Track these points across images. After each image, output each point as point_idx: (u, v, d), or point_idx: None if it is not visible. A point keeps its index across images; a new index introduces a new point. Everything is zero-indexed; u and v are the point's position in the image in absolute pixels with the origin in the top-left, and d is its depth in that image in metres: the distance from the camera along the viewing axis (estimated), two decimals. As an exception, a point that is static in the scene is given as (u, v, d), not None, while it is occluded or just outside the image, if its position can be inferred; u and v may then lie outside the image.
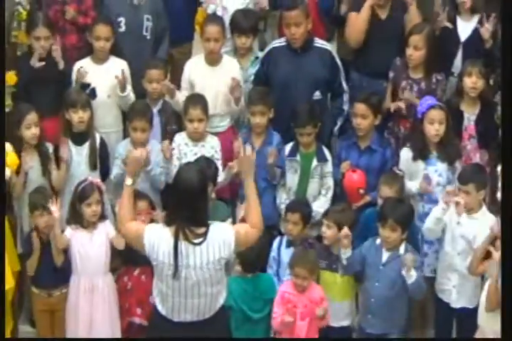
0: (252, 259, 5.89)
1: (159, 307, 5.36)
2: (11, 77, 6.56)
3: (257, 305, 6.07)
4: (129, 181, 5.43)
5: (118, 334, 6.29)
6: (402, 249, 5.95)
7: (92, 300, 6.22)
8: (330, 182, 6.63)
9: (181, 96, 6.78)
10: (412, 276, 5.84)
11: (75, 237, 6.17)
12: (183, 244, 5.17)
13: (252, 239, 5.35)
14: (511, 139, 5.47)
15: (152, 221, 6.09)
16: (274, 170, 6.55)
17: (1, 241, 5.98)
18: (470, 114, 6.69)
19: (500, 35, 6.62)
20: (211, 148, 6.62)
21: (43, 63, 6.68)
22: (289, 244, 6.22)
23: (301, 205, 6.34)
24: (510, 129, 5.49)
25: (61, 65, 6.74)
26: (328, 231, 6.11)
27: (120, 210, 5.43)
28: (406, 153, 6.51)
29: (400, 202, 6.07)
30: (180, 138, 6.64)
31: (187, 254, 5.18)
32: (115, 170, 6.55)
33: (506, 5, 5.91)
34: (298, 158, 6.61)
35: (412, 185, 6.40)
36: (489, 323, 5.70)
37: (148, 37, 7.07)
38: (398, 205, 6.03)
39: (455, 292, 6.15)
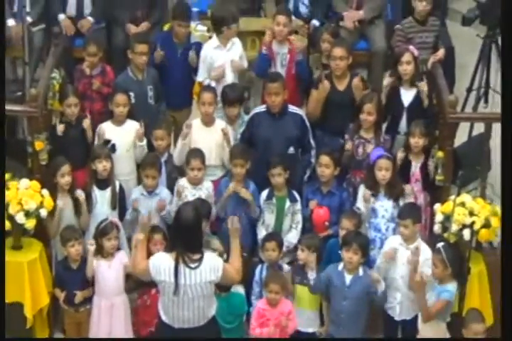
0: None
1: (163, 317, 5.62)
2: (38, 145, 6.57)
3: (229, 318, 6.26)
4: (141, 236, 5.73)
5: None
6: (361, 271, 6.17)
7: (111, 315, 6.39)
8: (299, 218, 6.71)
9: (180, 145, 6.93)
10: (382, 286, 6.13)
11: (97, 265, 6.35)
12: (181, 267, 5.41)
13: (233, 279, 5.66)
14: (511, 140, 5.60)
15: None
16: (254, 206, 6.65)
17: (1, 246, 6.15)
18: (416, 163, 6.81)
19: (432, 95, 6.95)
20: (206, 189, 6.74)
21: (62, 129, 6.75)
22: (268, 269, 6.39)
23: (275, 235, 6.53)
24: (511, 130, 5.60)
25: (89, 134, 6.88)
26: (301, 254, 6.35)
27: (134, 257, 5.70)
28: (362, 190, 6.67)
29: (360, 233, 6.34)
30: (182, 182, 6.74)
31: (185, 275, 5.42)
32: (129, 214, 6.67)
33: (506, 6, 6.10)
34: (274, 200, 6.70)
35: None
36: (426, 331, 6.08)
37: (152, 103, 7.25)
38: (359, 234, 6.31)
39: (398, 308, 6.33)
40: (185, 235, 5.44)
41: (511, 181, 5.60)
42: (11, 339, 6.38)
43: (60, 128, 6.82)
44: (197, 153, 6.76)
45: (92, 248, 6.33)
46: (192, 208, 5.57)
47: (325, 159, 6.71)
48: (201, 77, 7.36)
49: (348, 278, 6.19)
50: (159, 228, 6.48)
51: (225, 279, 5.59)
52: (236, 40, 7.37)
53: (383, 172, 6.56)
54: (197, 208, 5.62)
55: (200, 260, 5.44)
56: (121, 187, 6.77)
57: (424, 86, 6.97)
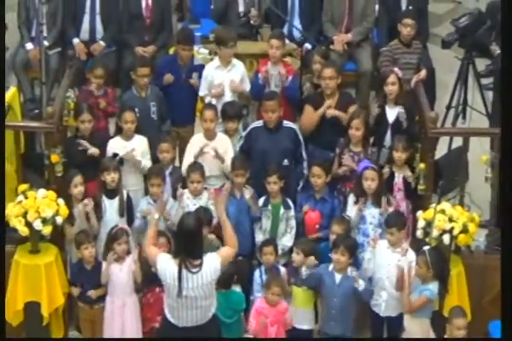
0: (224, 279, 6.07)
1: (168, 316, 5.71)
2: (54, 158, 6.61)
3: (228, 313, 6.31)
4: (156, 215, 5.80)
5: (137, 336, 6.47)
6: (349, 271, 6.30)
7: (123, 314, 6.46)
8: (293, 223, 6.79)
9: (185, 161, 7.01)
10: (361, 285, 6.24)
11: (109, 269, 6.43)
12: (184, 272, 5.52)
13: (232, 255, 5.72)
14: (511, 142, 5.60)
15: (169, 252, 6.24)
16: (255, 203, 6.74)
17: (2, 240, 6.20)
18: (399, 174, 6.88)
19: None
20: (206, 199, 6.79)
21: (98, 152, 6.80)
22: (266, 271, 6.51)
23: (272, 241, 6.65)
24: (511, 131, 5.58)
25: (96, 153, 6.90)
26: (297, 257, 6.47)
27: (147, 236, 5.77)
28: (352, 198, 6.75)
29: (347, 236, 6.47)
30: (184, 193, 6.79)
31: (187, 279, 5.52)
32: (137, 222, 6.74)
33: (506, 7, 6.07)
34: (269, 207, 6.79)
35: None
36: (411, 327, 6.20)
37: (155, 118, 7.30)
38: (347, 237, 6.43)
39: (384, 305, 6.41)
40: (187, 243, 5.54)
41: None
42: (11, 339, 6.39)
43: (94, 151, 6.85)
44: (196, 167, 6.83)
45: (111, 256, 6.38)
46: (193, 218, 5.67)
47: (317, 170, 6.81)
48: (202, 92, 7.46)
49: (338, 277, 6.30)
50: (163, 232, 6.52)
51: (227, 261, 5.65)
52: (238, 63, 7.44)
53: (369, 182, 6.64)
54: (198, 218, 5.72)
55: (200, 265, 5.55)
56: (128, 196, 6.82)
57: (403, 113, 7.03)
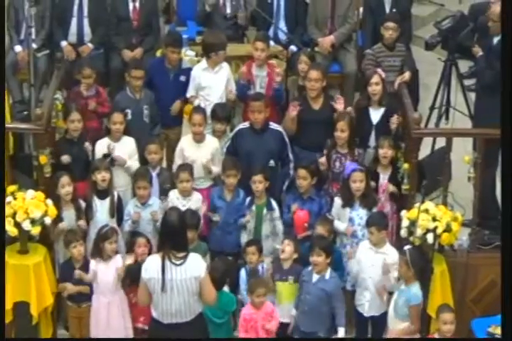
0: (217, 280, 6.03)
1: (153, 314, 5.65)
2: (43, 159, 6.56)
3: (219, 313, 6.30)
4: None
5: (131, 335, 6.47)
6: (328, 274, 6.28)
7: (109, 311, 6.44)
8: (279, 225, 6.79)
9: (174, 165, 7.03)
10: (327, 274, 6.20)
11: (97, 267, 6.42)
12: (168, 264, 5.48)
13: (207, 295, 5.57)
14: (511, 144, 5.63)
15: (149, 252, 6.39)
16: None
17: (2, 242, 6.16)
18: (384, 175, 6.88)
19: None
20: (195, 201, 6.78)
21: (69, 160, 6.77)
22: (251, 270, 6.53)
23: (255, 241, 6.66)
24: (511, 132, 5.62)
25: (90, 156, 6.90)
26: (287, 247, 6.45)
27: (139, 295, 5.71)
28: (338, 201, 6.73)
29: (322, 237, 6.42)
30: (173, 194, 6.80)
31: (171, 272, 5.48)
32: (126, 228, 6.71)
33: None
34: (253, 208, 6.76)
35: (340, 225, 6.67)
36: (395, 326, 6.20)
37: (147, 121, 7.29)
38: (321, 238, 6.39)
39: (367, 305, 6.43)
40: (171, 236, 5.53)
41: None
42: (11, 339, 6.39)
43: (65, 159, 6.84)
44: (185, 167, 6.82)
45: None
46: (176, 212, 5.68)
47: (302, 172, 6.78)
48: (189, 93, 7.43)
49: (315, 276, 6.31)
50: (141, 233, 6.58)
51: (203, 288, 5.57)
52: (224, 65, 7.41)
53: (357, 184, 6.62)
54: (180, 212, 5.70)
55: (184, 257, 5.52)
56: (119, 197, 6.81)
57: (395, 120, 7.02)
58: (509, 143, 5.64)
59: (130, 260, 6.47)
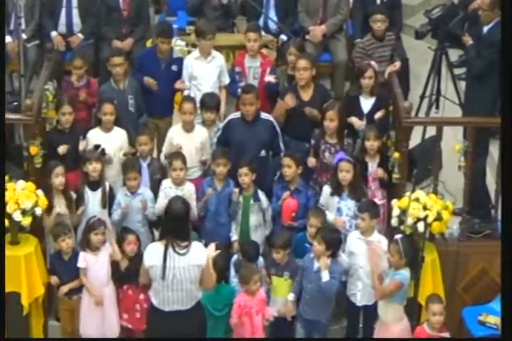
0: (218, 273, 5.91)
1: (154, 301, 5.62)
2: (33, 150, 6.53)
3: (219, 306, 6.30)
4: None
5: (116, 325, 6.44)
6: (329, 262, 6.21)
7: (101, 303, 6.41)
8: (268, 216, 6.76)
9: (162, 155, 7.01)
10: (324, 276, 6.12)
11: (86, 259, 6.38)
12: (170, 252, 5.46)
13: (207, 281, 5.58)
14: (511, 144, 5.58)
15: (139, 248, 6.38)
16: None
17: (1, 243, 6.16)
18: (372, 164, 6.85)
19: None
20: (188, 191, 6.72)
21: (65, 150, 6.75)
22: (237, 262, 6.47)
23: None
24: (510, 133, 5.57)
25: (82, 146, 6.82)
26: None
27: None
28: (326, 189, 6.69)
29: (325, 228, 6.33)
30: (166, 183, 6.76)
31: (173, 259, 5.46)
32: (115, 217, 6.63)
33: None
34: (240, 199, 6.70)
35: (329, 215, 6.62)
36: (385, 314, 6.14)
37: (132, 111, 7.24)
38: (324, 228, 6.31)
39: (360, 295, 6.41)
40: (174, 224, 5.51)
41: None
42: (11, 339, 6.34)
43: (62, 149, 6.81)
44: (178, 155, 6.77)
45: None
46: (181, 201, 5.64)
47: (287, 160, 6.72)
48: (183, 82, 7.36)
49: (317, 265, 6.25)
50: (131, 229, 6.55)
51: (204, 274, 5.57)
52: (218, 55, 7.38)
53: (344, 174, 6.58)
54: (184, 200, 5.67)
55: (187, 246, 5.49)
56: (111, 188, 6.78)
57: (379, 114, 6.99)
58: (510, 134, 5.56)
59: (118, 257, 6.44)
